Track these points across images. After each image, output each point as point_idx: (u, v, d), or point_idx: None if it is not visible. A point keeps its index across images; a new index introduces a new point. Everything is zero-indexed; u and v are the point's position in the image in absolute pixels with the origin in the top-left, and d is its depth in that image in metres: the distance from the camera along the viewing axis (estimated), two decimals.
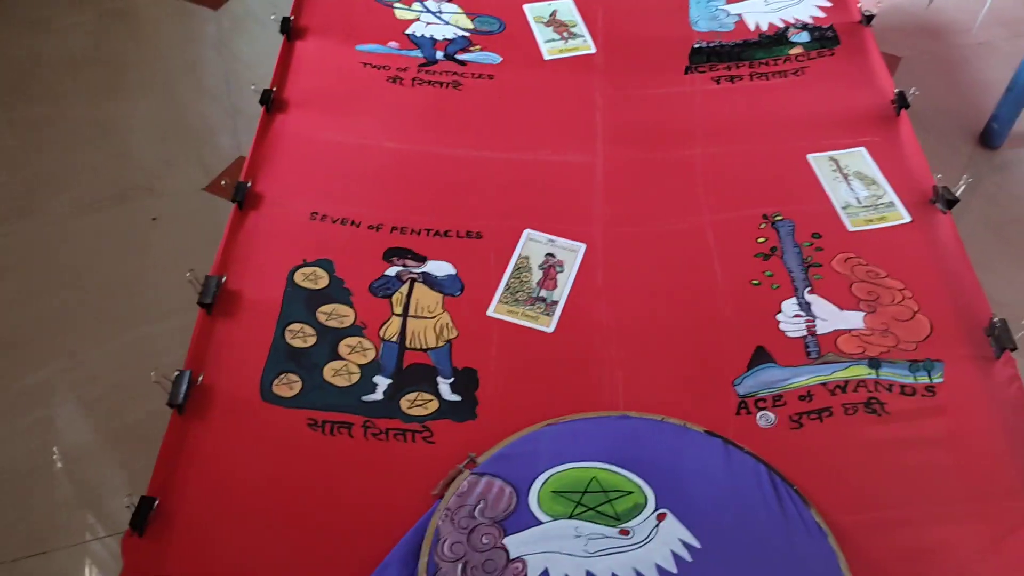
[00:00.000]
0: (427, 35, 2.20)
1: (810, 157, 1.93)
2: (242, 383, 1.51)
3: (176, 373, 1.48)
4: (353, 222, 1.77)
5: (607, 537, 1.33)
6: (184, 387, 1.46)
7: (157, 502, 1.34)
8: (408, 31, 2.20)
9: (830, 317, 1.66)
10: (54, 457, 1.85)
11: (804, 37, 2.21)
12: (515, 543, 1.31)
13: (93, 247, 2.27)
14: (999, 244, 2.31)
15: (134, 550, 1.30)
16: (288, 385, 1.52)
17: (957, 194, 1.79)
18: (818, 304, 1.67)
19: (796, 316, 1.65)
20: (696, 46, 2.20)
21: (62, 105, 2.64)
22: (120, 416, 1.92)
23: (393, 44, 2.16)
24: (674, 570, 1.29)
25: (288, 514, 1.37)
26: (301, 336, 1.59)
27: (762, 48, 2.19)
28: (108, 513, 1.76)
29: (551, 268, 1.72)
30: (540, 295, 1.68)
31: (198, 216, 2.35)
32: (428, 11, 2.27)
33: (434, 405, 1.52)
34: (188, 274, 1.59)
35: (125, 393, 1.95)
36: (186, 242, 2.25)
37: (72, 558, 1.70)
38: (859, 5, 2.27)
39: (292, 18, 2.17)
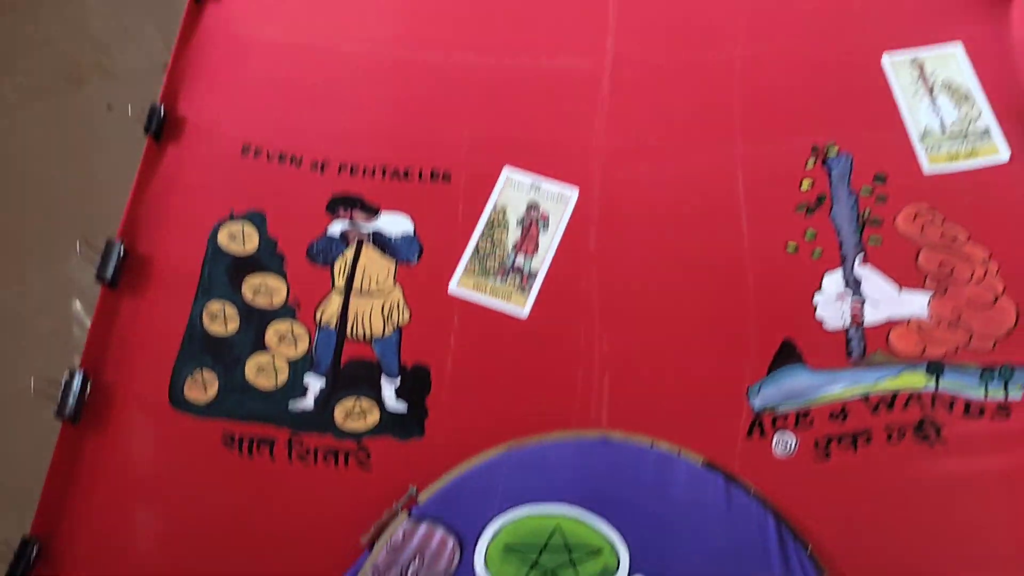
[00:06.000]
0: None
1: (887, 58, 1.47)
2: (149, 383, 1.27)
3: (66, 375, 1.24)
4: (293, 158, 1.43)
5: None
6: (76, 391, 1.22)
7: (38, 547, 1.14)
8: None
9: (884, 299, 1.29)
10: None
11: None
12: None
13: (42, 143, 1.98)
14: None
15: None
16: (202, 386, 1.27)
17: None
18: (871, 281, 1.31)
19: (839, 297, 1.30)
20: None
21: None
22: None
23: None
24: None
25: (196, 556, 1.16)
26: (221, 319, 1.31)
27: None
28: None
29: (532, 224, 1.38)
30: (515, 263, 1.35)
31: None
32: None
33: (374, 417, 1.25)
34: (77, 247, 1.30)
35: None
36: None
37: None
38: None
39: None
